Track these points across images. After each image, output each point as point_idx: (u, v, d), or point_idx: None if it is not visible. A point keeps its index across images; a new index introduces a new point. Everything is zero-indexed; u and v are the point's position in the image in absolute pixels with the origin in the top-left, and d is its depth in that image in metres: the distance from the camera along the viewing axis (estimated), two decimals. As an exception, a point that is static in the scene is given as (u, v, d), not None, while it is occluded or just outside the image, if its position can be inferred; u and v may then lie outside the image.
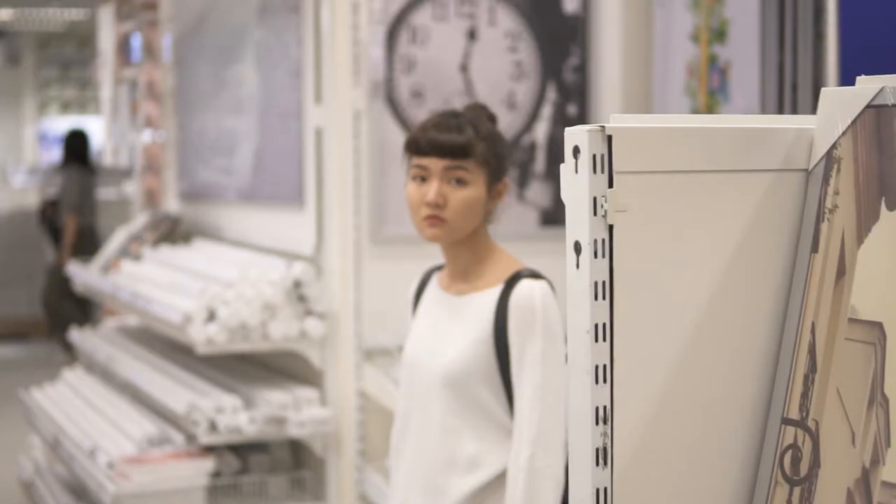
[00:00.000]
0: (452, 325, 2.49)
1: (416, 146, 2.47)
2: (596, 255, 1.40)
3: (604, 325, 1.39)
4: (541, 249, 4.33)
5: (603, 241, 1.40)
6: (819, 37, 3.96)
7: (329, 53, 4.03)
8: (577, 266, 1.43)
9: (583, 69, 4.33)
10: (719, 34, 4.09)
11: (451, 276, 2.54)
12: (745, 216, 1.46)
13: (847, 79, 3.93)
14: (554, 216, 4.30)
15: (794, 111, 3.94)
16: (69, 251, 9.26)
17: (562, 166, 1.48)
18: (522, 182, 4.26)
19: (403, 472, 2.55)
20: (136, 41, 6.17)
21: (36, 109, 13.63)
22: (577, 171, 1.40)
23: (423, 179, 2.45)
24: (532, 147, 4.27)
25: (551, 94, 4.29)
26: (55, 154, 13.56)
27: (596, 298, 1.40)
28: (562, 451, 2.37)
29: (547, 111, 4.28)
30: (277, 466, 4.40)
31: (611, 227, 1.39)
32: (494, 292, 2.45)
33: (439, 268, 2.63)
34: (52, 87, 13.72)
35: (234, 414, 4.03)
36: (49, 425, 4.85)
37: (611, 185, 1.38)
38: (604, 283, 1.40)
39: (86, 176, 9.38)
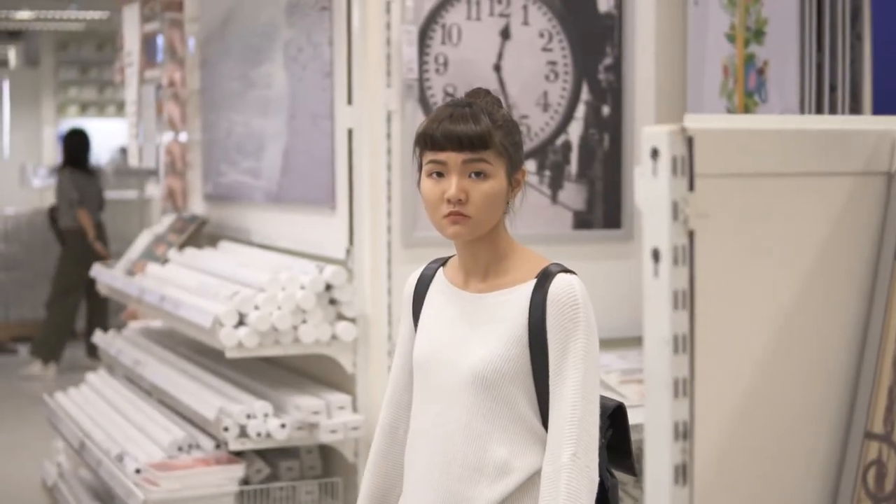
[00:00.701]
0: (477, 325, 2.36)
1: (431, 140, 2.32)
2: (676, 263, 1.33)
3: (683, 335, 1.33)
4: (575, 252, 4.27)
5: (683, 247, 1.34)
6: (857, 37, 3.90)
7: (361, 53, 3.98)
8: (656, 274, 1.37)
9: (617, 69, 4.26)
10: (757, 33, 4.02)
11: (468, 273, 2.40)
12: (826, 221, 1.40)
13: (881, 80, 3.86)
14: (588, 219, 4.24)
15: (833, 112, 3.87)
16: (100, 245, 9.29)
17: (636, 169, 1.42)
18: (556, 184, 4.20)
19: (413, 482, 2.42)
20: (161, 42, 6.12)
21: (55, 111, 13.60)
22: (655, 175, 1.34)
23: (440, 175, 2.30)
24: (566, 148, 4.20)
25: (585, 95, 4.22)
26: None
27: (676, 308, 1.34)
28: (597, 450, 2.28)
29: (581, 112, 4.22)
30: (307, 472, 4.35)
31: (691, 233, 1.33)
32: (526, 288, 2.32)
33: (440, 263, 2.51)
34: (70, 89, 13.69)
35: (265, 419, 3.97)
36: (74, 429, 4.80)
37: (691, 189, 1.32)
38: (683, 291, 1.33)
39: (82, 176, 9.36)
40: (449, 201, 2.29)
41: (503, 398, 2.31)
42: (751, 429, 1.37)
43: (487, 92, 2.42)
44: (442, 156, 2.30)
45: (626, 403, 3.77)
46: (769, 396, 1.39)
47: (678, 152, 1.32)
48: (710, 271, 1.35)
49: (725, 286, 1.37)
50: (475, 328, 2.36)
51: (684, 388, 1.34)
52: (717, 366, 1.36)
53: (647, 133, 1.36)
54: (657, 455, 1.35)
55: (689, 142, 1.32)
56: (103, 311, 9.61)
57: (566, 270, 2.34)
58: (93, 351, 9.53)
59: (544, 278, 2.32)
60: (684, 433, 1.33)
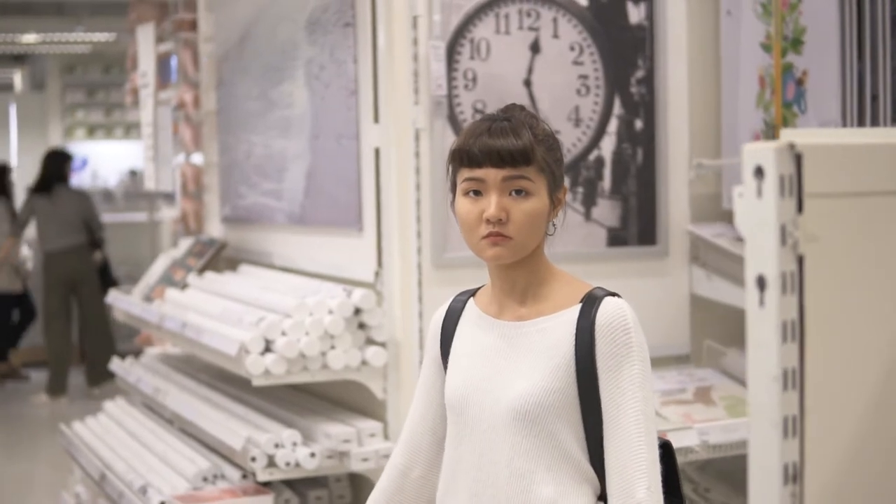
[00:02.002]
0: (517, 356, 2.21)
1: (468, 156, 2.16)
2: (784, 291, 1.21)
3: (793, 370, 1.21)
4: (609, 271, 4.16)
5: (792, 274, 1.21)
6: (898, 44, 3.78)
7: (387, 70, 3.86)
8: (761, 303, 1.25)
9: (649, 82, 4.15)
10: (795, 42, 3.90)
11: (504, 300, 2.25)
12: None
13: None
14: (622, 236, 4.12)
15: (874, 123, 3.75)
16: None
17: (735, 189, 1.29)
18: (589, 200, 4.08)
19: None
20: (174, 62, 6.02)
21: (62, 134, 13.52)
22: (760, 195, 1.21)
23: (478, 193, 2.16)
24: (598, 164, 4.09)
25: (617, 109, 4.10)
26: (82, 178, 13.46)
27: (784, 340, 1.21)
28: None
29: (613, 126, 4.10)
30: (336, 501, 4.23)
31: (800, 259, 1.21)
32: (571, 314, 2.17)
33: (469, 294, 2.36)
34: (77, 112, 13.61)
35: (294, 448, 3.85)
36: (94, 460, 4.68)
37: (800, 211, 1.20)
38: (793, 322, 1.21)
39: (49, 199, 9.24)
40: (488, 221, 2.14)
41: (548, 434, 2.16)
42: (865, 470, 1.24)
43: (523, 107, 2.28)
44: (480, 172, 2.16)
45: (669, 426, 3.66)
46: (885, 434, 1.26)
47: (786, 170, 1.20)
48: (820, 300, 1.22)
49: (837, 315, 1.24)
50: (514, 359, 2.21)
51: (794, 427, 1.21)
52: (828, 402, 1.23)
53: (751, 150, 1.23)
54: (765, 500, 1.22)
55: (798, 159, 1.20)
56: (100, 337, 9.46)
57: (612, 294, 2.20)
58: (93, 379, 9.44)
59: (590, 303, 2.17)
60: (794, 476, 1.20)
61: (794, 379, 1.18)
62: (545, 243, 2.25)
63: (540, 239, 2.21)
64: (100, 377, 9.43)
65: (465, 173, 2.18)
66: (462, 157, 2.19)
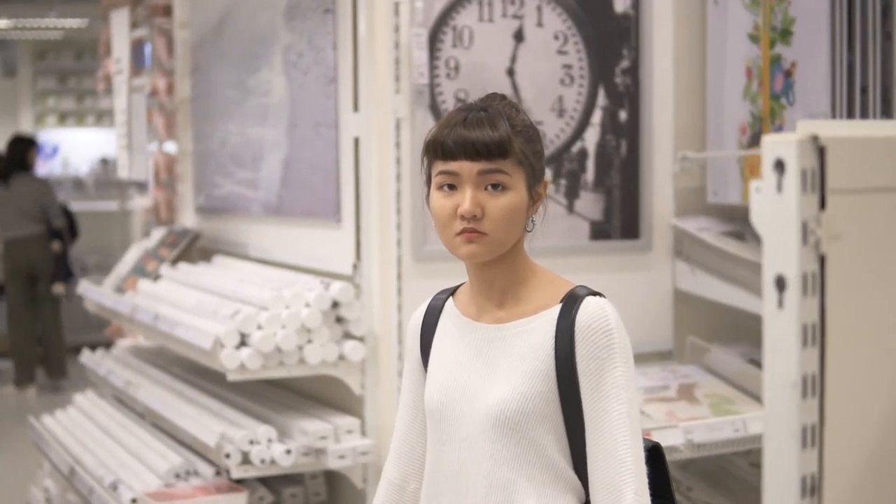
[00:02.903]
0: (496, 360, 2.10)
1: (442, 148, 2.05)
2: (805, 293, 1.13)
3: (813, 376, 1.13)
4: (591, 264, 4.08)
5: (813, 274, 1.13)
6: (888, 36, 3.71)
7: (368, 58, 3.76)
8: (780, 305, 1.16)
9: (634, 72, 4.07)
10: (783, 33, 3.83)
11: (481, 301, 2.14)
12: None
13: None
14: (605, 229, 4.04)
15: (864, 116, 3.69)
16: None
17: (753, 184, 1.22)
18: (572, 193, 4.00)
19: None
20: (148, 49, 5.90)
21: (33, 121, 13.33)
22: (780, 190, 1.13)
23: (452, 187, 2.04)
24: (582, 156, 4.00)
25: (601, 99, 4.02)
26: (53, 166, 13.29)
27: (804, 345, 1.13)
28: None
29: (597, 117, 4.02)
30: (312, 499, 4.14)
31: (822, 258, 1.13)
32: (550, 315, 2.06)
33: (448, 293, 2.24)
34: (49, 98, 13.42)
35: (269, 445, 3.76)
36: (63, 455, 4.57)
37: (823, 207, 1.11)
38: (813, 325, 1.13)
39: (6, 186, 9.06)
40: (462, 217, 2.02)
41: (529, 442, 2.06)
42: (888, 482, 1.16)
43: (503, 97, 2.15)
44: (454, 166, 2.04)
45: (653, 425, 3.59)
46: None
47: (808, 164, 1.11)
48: (843, 302, 1.14)
49: (861, 319, 1.16)
50: (494, 364, 2.10)
51: (813, 436, 1.13)
52: (850, 410, 1.15)
53: (771, 142, 1.15)
54: (780, 514, 1.13)
55: (821, 152, 1.12)
56: (51, 333, 9.32)
57: (594, 293, 2.09)
58: (51, 371, 9.31)
59: (570, 303, 2.06)
60: (812, 488, 1.13)
61: (814, 385, 1.10)
62: (524, 240, 2.14)
63: (518, 236, 2.10)
64: (49, 371, 9.32)
65: (439, 166, 2.06)
66: (436, 150, 2.07)
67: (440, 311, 2.22)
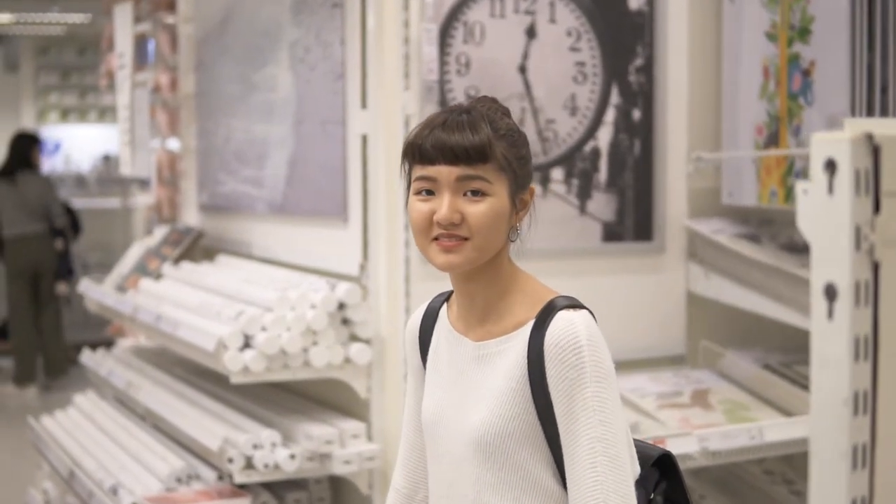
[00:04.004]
0: (479, 380, 2.00)
1: (420, 152, 1.94)
2: (857, 303, 1.04)
3: (864, 392, 1.04)
4: (604, 267, 3.99)
5: (866, 283, 1.04)
6: (908, 35, 3.63)
7: (376, 53, 3.68)
8: (830, 316, 1.08)
9: (648, 70, 3.98)
10: (802, 32, 3.74)
11: (467, 315, 2.03)
12: None
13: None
14: (617, 231, 3.95)
15: (884, 116, 3.60)
16: None
17: (799, 185, 1.12)
18: (584, 193, 3.91)
19: None
20: (152, 45, 5.82)
21: (35, 117, 13.24)
22: (831, 192, 1.04)
23: (430, 193, 1.93)
24: (594, 155, 3.92)
25: (615, 98, 3.94)
26: (55, 162, 13.21)
27: (856, 359, 1.04)
28: None
29: (610, 116, 3.93)
30: (316, 504, 4.05)
31: (876, 265, 1.04)
32: (525, 332, 1.96)
33: (445, 297, 2.14)
34: (51, 94, 13.33)
35: (273, 449, 3.67)
36: (63, 457, 4.48)
37: (877, 210, 1.02)
38: (866, 337, 1.04)
39: (12, 184, 8.98)
40: (440, 224, 1.92)
41: (513, 465, 1.95)
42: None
43: (493, 100, 2.04)
44: (432, 170, 1.92)
45: (667, 432, 3.50)
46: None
47: (861, 164, 1.02)
48: (899, 313, 1.05)
49: (918, 331, 1.06)
50: (478, 385, 2.00)
51: (864, 457, 1.04)
52: (905, 431, 1.06)
53: (821, 141, 1.05)
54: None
55: (875, 152, 1.03)
56: (51, 332, 9.25)
57: (573, 305, 1.95)
58: (51, 371, 9.24)
59: (542, 318, 1.94)
60: (864, 514, 1.02)
61: (866, 402, 1.01)
62: (509, 249, 2.02)
63: (499, 245, 1.98)
64: (49, 370, 9.25)
65: (418, 171, 1.95)
66: (414, 153, 1.96)
67: (436, 317, 2.13)
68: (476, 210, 1.92)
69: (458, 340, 2.04)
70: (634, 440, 2.12)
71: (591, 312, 1.96)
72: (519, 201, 1.99)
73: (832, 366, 1.04)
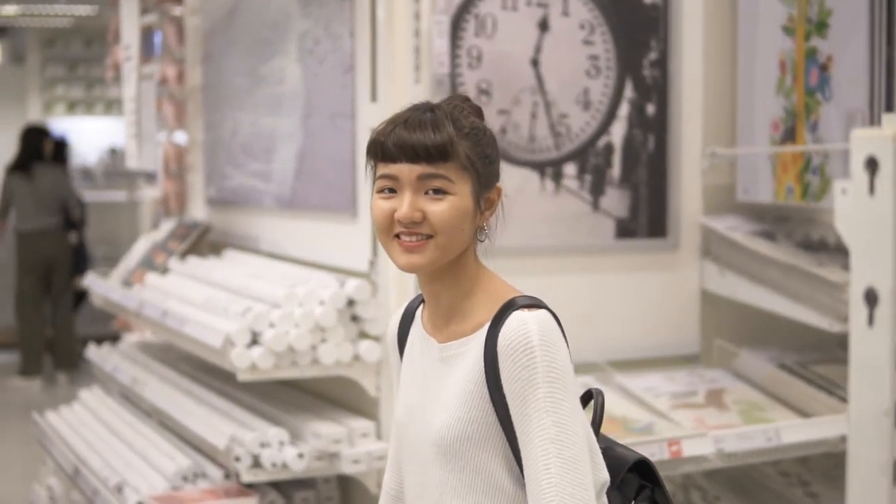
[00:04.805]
0: (442, 382, 1.98)
1: (382, 150, 1.94)
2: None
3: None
4: (617, 264, 3.93)
5: (914, 290, 0.98)
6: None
7: (386, 46, 3.61)
8: (871, 322, 1.02)
9: (662, 64, 3.92)
10: (819, 26, 3.68)
11: (434, 316, 2.03)
12: None
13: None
14: (630, 227, 3.89)
15: (903, 111, 3.53)
16: None
17: (837, 184, 1.06)
18: (597, 189, 3.85)
19: None
20: (158, 37, 5.76)
21: (41, 109, 13.19)
22: (873, 192, 0.98)
23: (393, 191, 1.94)
24: (608, 150, 3.86)
25: (629, 92, 3.87)
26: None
27: (902, 369, 0.98)
28: None
29: (624, 110, 3.87)
30: (324, 503, 4.00)
31: (924, 271, 0.97)
32: (482, 333, 1.94)
33: (421, 299, 2.12)
34: (58, 87, 13.28)
35: (280, 448, 3.62)
36: (67, 454, 4.44)
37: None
38: (912, 348, 0.98)
39: (27, 177, 8.96)
40: (401, 222, 1.91)
41: (475, 468, 1.93)
42: None
43: (465, 98, 2.05)
44: (394, 168, 1.92)
45: (682, 433, 3.43)
46: None
47: (909, 163, 0.96)
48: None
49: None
50: (442, 387, 1.98)
51: (908, 473, 0.97)
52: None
53: (861, 138, 1.00)
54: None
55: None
56: (63, 325, 9.22)
57: (530, 305, 1.92)
58: (59, 362, 9.22)
59: (498, 319, 1.92)
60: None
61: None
62: (476, 249, 2.01)
63: (463, 245, 1.96)
64: (60, 364, 9.22)
65: (381, 168, 1.95)
66: (377, 151, 1.96)
67: (412, 319, 2.12)
68: (437, 209, 1.91)
69: (427, 343, 2.04)
70: (612, 442, 2.10)
71: (551, 312, 1.93)
72: (484, 201, 1.98)
73: (872, 375, 0.98)
